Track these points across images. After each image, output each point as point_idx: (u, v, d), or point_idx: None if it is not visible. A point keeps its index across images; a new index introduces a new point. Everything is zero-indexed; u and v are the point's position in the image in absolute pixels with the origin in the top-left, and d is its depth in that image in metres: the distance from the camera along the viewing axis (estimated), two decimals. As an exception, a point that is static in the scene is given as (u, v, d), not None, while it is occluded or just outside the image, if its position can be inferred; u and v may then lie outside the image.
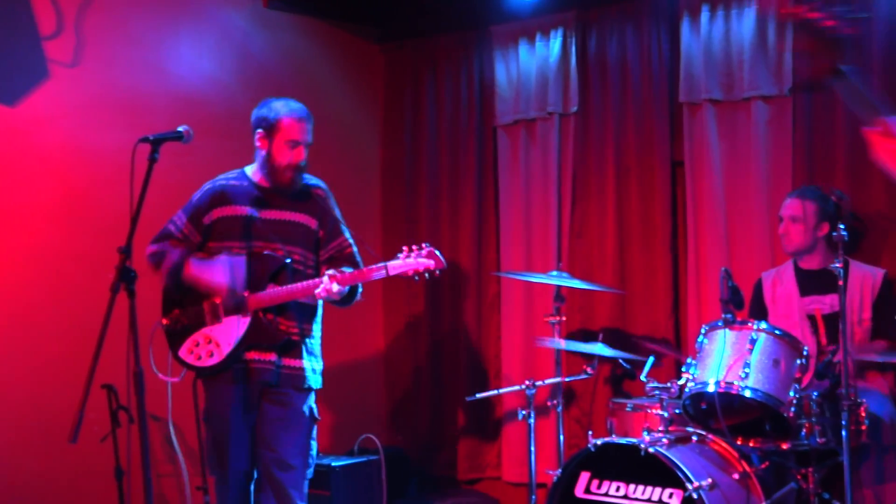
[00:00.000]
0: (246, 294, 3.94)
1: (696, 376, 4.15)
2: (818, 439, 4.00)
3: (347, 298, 4.02)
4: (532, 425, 4.89)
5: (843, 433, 3.89)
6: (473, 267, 6.16)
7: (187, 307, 4.04)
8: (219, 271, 3.93)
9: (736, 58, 5.27)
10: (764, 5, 5.13)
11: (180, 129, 3.60)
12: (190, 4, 5.59)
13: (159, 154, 3.45)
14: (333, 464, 5.14)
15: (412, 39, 6.48)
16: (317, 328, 4.14)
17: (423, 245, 3.88)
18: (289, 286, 3.91)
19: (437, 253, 3.87)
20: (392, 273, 3.85)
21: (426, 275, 3.85)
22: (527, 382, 4.89)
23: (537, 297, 5.85)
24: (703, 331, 4.28)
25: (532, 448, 4.93)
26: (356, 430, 5.98)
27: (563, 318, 5.11)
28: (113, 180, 4.85)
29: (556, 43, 5.86)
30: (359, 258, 4.18)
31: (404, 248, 3.89)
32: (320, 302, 4.08)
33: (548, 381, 5.02)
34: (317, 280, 3.89)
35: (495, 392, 5.26)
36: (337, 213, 4.18)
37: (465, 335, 6.16)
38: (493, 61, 6.12)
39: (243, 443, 4.00)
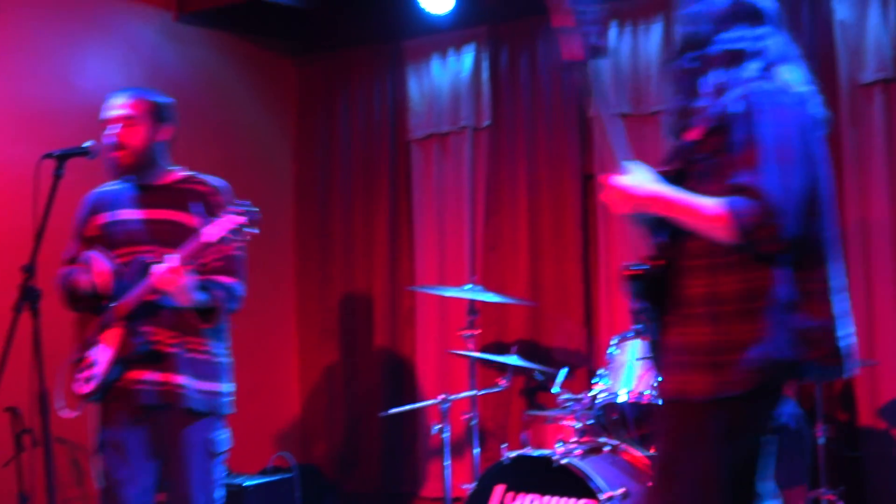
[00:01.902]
0: (112, 305, 3.53)
1: (607, 387, 4.20)
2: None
3: (207, 313, 3.56)
4: (447, 439, 4.89)
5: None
6: (388, 281, 6.15)
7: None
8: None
9: (643, 73, 5.38)
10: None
11: (86, 144, 3.52)
12: (97, 18, 5.48)
13: (65, 170, 3.38)
14: (245, 483, 5.06)
15: (325, 54, 6.46)
16: (216, 346, 3.64)
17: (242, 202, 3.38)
18: (138, 285, 3.46)
19: (249, 206, 3.30)
20: (207, 238, 3.29)
21: (243, 230, 3.28)
22: (441, 396, 4.89)
23: (452, 310, 5.86)
24: (613, 342, 4.34)
25: (447, 462, 4.93)
26: (269, 448, 5.92)
27: (478, 332, 5.12)
28: (17, 196, 4.68)
29: (468, 58, 5.91)
30: (238, 265, 3.64)
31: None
32: (223, 319, 3.64)
33: (462, 395, 5.03)
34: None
35: (409, 407, 5.25)
36: None
37: (379, 350, 6.14)
38: (405, 76, 6.14)
39: (136, 481, 3.52)
